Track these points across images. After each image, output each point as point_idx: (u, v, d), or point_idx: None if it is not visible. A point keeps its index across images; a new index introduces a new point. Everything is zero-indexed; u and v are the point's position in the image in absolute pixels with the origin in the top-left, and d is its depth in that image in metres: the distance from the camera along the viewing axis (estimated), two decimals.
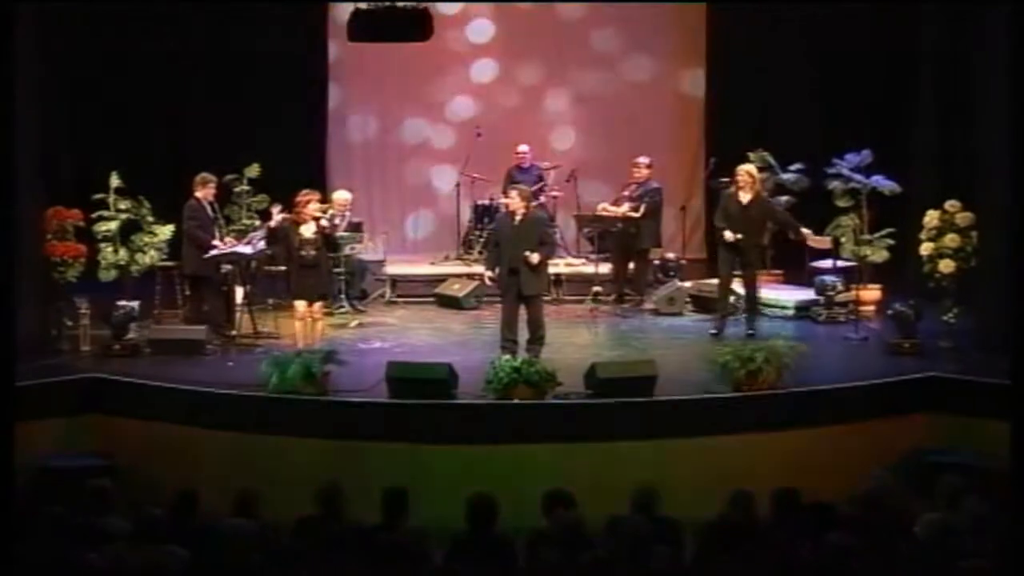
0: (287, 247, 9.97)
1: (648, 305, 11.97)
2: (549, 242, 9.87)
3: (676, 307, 11.80)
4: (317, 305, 9.84)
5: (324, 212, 10.14)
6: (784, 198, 12.50)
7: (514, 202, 9.76)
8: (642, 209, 11.85)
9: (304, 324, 9.80)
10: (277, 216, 9.93)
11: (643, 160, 12.09)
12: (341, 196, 12.11)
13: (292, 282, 9.97)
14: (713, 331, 10.68)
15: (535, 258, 9.49)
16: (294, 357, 8.89)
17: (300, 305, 9.82)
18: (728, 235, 10.62)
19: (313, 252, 9.80)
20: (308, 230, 9.79)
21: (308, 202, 9.84)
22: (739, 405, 8.69)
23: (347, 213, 12.00)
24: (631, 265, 12.08)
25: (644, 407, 8.60)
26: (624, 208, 11.90)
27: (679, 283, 12.12)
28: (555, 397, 8.66)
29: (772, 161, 12.38)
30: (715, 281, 11.64)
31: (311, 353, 9.04)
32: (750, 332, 10.52)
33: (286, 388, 8.67)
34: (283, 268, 10.57)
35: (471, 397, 8.68)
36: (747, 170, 10.78)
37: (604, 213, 12.02)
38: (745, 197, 10.65)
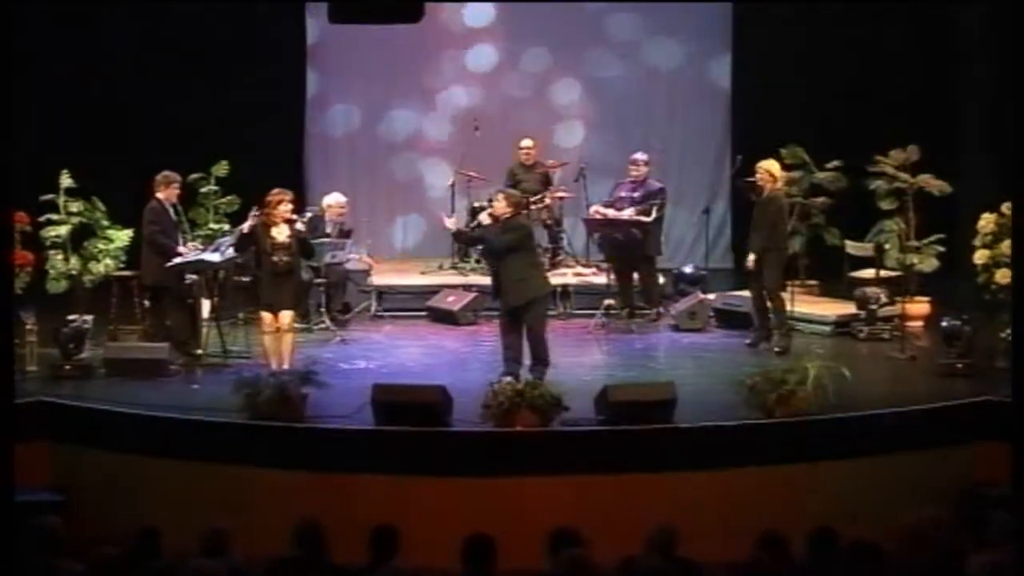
0: (256, 251, 10.03)
1: (666, 320, 12.03)
2: (495, 245, 9.67)
3: (698, 322, 11.85)
4: (287, 317, 9.89)
5: (298, 214, 10.19)
6: (820, 199, 12.58)
7: (499, 205, 9.83)
8: (653, 212, 11.93)
9: (273, 338, 9.85)
10: (252, 219, 9.98)
11: (641, 156, 12.16)
12: (334, 200, 12.17)
13: (261, 290, 10.04)
14: (749, 342, 10.75)
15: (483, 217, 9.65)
16: (268, 379, 8.94)
17: (267, 317, 9.87)
18: (750, 259, 10.73)
19: (286, 258, 9.84)
20: (281, 233, 9.86)
21: (280, 202, 9.87)
22: (769, 433, 8.73)
23: (343, 220, 12.06)
24: (634, 275, 12.14)
25: (662, 435, 8.64)
26: (630, 211, 11.97)
27: (701, 295, 12.18)
28: (562, 424, 8.71)
29: (806, 158, 12.46)
30: (742, 293, 11.71)
31: (287, 374, 9.09)
32: (779, 350, 10.58)
33: (259, 413, 8.72)
34: (254, 277, 10.62)
35: (467, 424, 8.71)
36: (766, 167, 10.82)
37: (600, 216, 12.06)
38: (762, 195, 10.77)
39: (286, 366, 9.63)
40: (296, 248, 9.90)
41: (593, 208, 12.23)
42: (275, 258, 9.81)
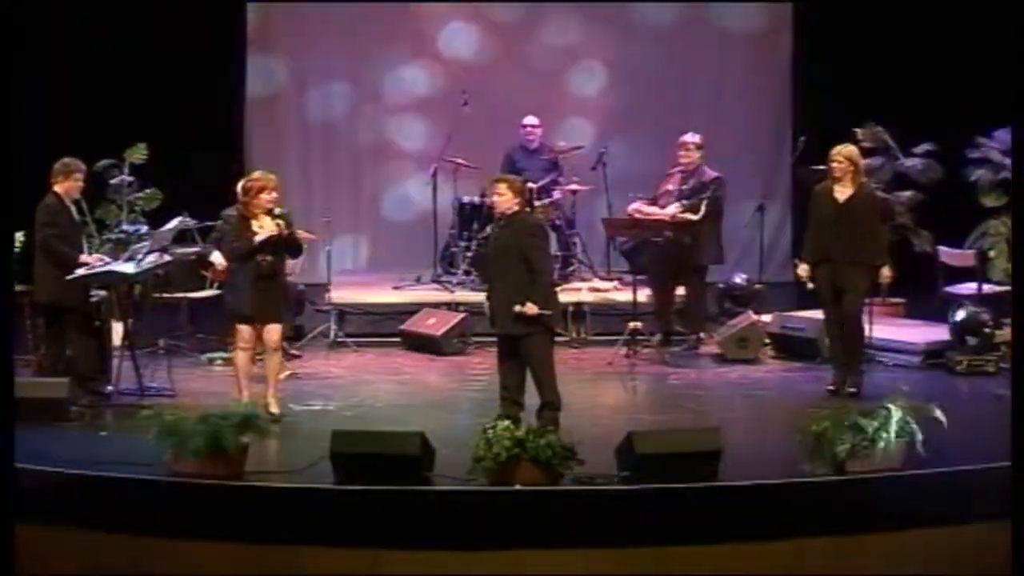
0: (230, 248, 10.05)
1: (709, 348, 12.07)
2: (537, 265, 9.60)
3: (750, 351, 11.90)
4: (275, 332, 10.00)
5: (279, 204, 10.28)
6: (907, 193, 12.63)
7: (501, 199, 9.84)
8: (702, 210, 11.95)
9: (248, 356, 9.94)
10: (266, 231, 10.00)
11: (692, 139, 12.22)
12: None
13: (236, 299, 10.07)
14: (831, 387, 10.80)
15: (527, 308, 9.45)
16: (197, 423, 8.96)
17: (244, 331, 9.97)
18: (802, 270, 10.74)
19: (270, 258, 9.98)
20: (264, 227, 9.98)
21: (262, 189, 10.02)
22: (841, 494, 8.75)
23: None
24: (680, 290, 12.19)
25: (703, 496, 8.64)
26: (673, 208, 12.02)
27: (754, 316, 12.22)
28: (574, 481, 8.73)
29: (889, 140, 12.51)
30: (805, 314, 11.75)
31: (222, 418, 9.11)
32: (852, 390, 10.63)
33: (185, 468, 8.75)
34: (182, 295, 10.67)
35: (453, 481, 8.74)
36: (846, 153, 10.86)
37: (641, 216, 12.13)
38: (843, 192, 10.76)
39: (271, 398, 9.85)
40: (280, 247, 10.01)
41: (632, 206, 12.26)
42: (258, 258, 9.89)
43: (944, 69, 13.44)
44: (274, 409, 10.04)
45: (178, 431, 8.88)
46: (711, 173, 12.17)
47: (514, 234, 9.71)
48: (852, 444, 8.80)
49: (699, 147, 12.19)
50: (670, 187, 12.20)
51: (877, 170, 12.49)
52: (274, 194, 10.07)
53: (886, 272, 10.87)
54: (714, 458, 8.80)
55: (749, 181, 14.07)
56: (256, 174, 10.22)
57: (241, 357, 10.02)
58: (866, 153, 11.97)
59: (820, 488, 8.76)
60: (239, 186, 10.09)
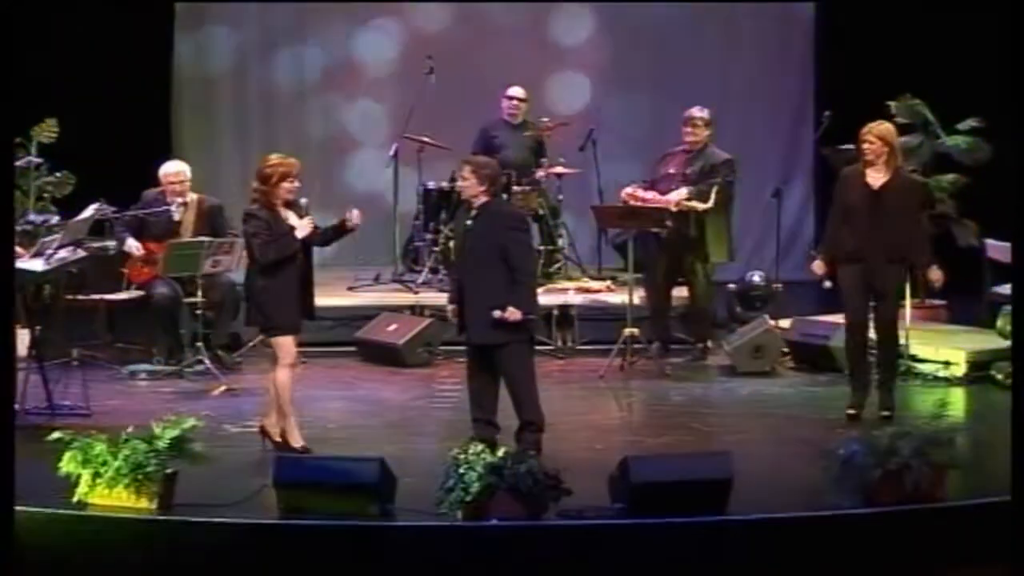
0: (276, 249, 9.89)
1: (718, 358, 12.05)
2: (518, 262, 9.65)
3: (766, 362, 11.91)
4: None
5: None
6: (949, 177, 12.63)
7: (464, 183, 9.83)
8: (712, 197, 11.94)
9: (291, 377, 9.94)
10: (306, 223, 9.98)
11: (700, 113, 12.22)
12: (173, 169, 12.30)
13: (282, 307, 9.96)
14: (850, 410, 10.74)
15: (508, 313, 9.49)
16: (117, 448, 8.91)
17: (291, 343, 9.95)
18: (817, 266, 10.72)
19: (302, 256, 9.99)
20: (293, 220, 9.93)
21: (285, 176, 9.93)
22: (873, 528, 8.74)
23: (185, 199, 12.10)
24: (680, 291, 12.17)
25: (711, 532, 8.64)
26: (679, 194, 12.00)
27: (770, 322, 12.22)
28: (560, 515, 8.70)
29: (929, 115, 12.51)
30: (830, 319, 11.74)
31: (145, 441, 9.04)
32: (886, 413, 10.59)
33: (104, 500, 8.70)
34: (99, 298, 10.62)
35: (418, 516, 8.71)
36: (879, 132, 10.81)
37: (639, 203, 12.09)
38: (877, 178, 10.71)
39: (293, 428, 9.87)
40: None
41: (626, 190, 12.24)
42: (297, 258, 9.92)
43: (992, 32, 13.43)
44: (297, 443, 9.94)
45: (94, 457, 8.83)
46: (721, 154, 12.16)
47: (490, 226, 9.69)
48: (886, 470, 8.79)
49: (708, 124, 12.17)
50: (672, 170, 12.19)
51: (914, 150, 12.48)
52: (296, 183, 10.02)
53: (935, 273, 10.81)
54: (724, 488, 8.78)
55: (764, 161, 14.07)
56: (274, 158, 10.08)
57: (284, 375, 9.93)
58: (902, 130, 11.97)
59: (848, 522, 8.74)
60: (260, 173, 9.91)
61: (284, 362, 9.97)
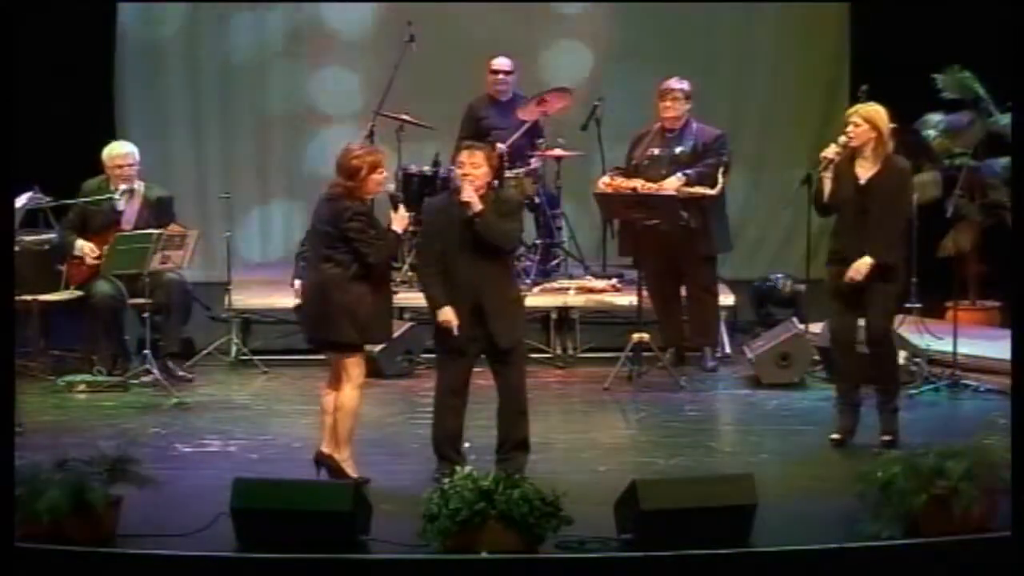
0: (389, 250, 10.07)
1: (738, 368, 12.07)
2: (507, 243, 9.92)
3: (794, 371, 11.93)
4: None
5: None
6: (1003, 161, 12.64)
7: (477, 172, 9.87)
8: (720, 180, 11.97)
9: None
10: (403, 216, 10.11)
11: (680, 85, 12.30)
12: (119, 151, 12.43)
13: (378, 318, 10.07)
14: (834, 436, 10.71)
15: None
16: (53, 471, 8.92)
17: (363, 364, 10.10)
18: (851, 272, 10.66)
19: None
20: (396, 215, 10.04)
21: (375, 167, 9.97)
22: (916, 562, 8.77)
23: (132, 185, 12.12)
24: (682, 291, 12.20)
25: (731, 565, 8.67)
26: (678, 179, 12.00)
27: (798, 325, 12.23)
28: (559, 547, 8.73)
29: (980, 90, 12.52)
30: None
31: (85, 463, 9.05)
32: (887, 437, 10.51)
33: (39, 531, 8.70)
34: (32, 299, 10.62)
35: (398, 548, 8.73)
36: (867, 113, 10.76)
37: (622, 190, 12.06)
38: (865, 169, 10.67)
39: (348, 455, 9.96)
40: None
41: (603, 180, 12.27)
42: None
43: None
44: (353, 472, 9.96)
45: (27, 482, 8.83)
46: (710, 129, 12.28)
47: (491, 215, 9.76)
48: (930, 495, 8.81)
49: (688, 96, 12.23)
50: (655, 151, 12.21)
51: (964, 130, 12.49)
52: (385, 172, 10.09)
53: (863, 266, 10.58)
54: (746, 515, 8.82)
55: (791, 143, 14.06)
56: (356, 147, 10.15)
57: (359, 399, 10.05)
58: (949, 107, 11.98)
59: (888, 555, 8.77)
60: (345, 167, 9.89)
61: (357, 382, 10.04)
